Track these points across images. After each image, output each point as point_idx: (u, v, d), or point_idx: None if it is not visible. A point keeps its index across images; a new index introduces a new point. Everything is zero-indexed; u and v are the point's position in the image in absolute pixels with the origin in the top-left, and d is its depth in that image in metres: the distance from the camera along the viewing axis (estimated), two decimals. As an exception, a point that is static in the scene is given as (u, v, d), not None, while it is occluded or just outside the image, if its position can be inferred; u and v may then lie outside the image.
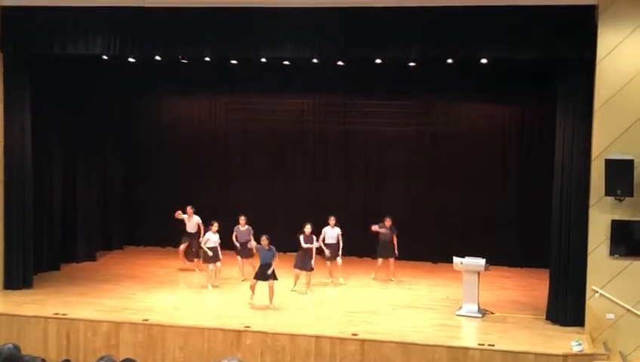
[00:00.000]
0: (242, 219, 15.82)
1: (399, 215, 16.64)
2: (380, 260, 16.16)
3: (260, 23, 13.63)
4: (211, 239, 15.46)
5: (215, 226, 15.53)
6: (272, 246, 14.14)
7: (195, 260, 16.61)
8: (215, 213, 16.64)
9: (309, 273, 15.15)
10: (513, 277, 16.58)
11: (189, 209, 16.57)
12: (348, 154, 18.40)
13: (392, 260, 16.12)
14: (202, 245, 15.62)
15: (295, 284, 15.15)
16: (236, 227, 15.84)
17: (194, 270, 16.63)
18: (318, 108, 18.48)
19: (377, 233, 16.04)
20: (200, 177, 18.76)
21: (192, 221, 16.56)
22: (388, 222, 16.02)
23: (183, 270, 16.80)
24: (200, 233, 16.28)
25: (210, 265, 15.48)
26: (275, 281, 14.04)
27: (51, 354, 12.84)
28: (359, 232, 16.55)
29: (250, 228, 15.73)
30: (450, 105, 17.76)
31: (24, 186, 15.10)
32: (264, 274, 14.00)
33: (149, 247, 18.96)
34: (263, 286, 14.04)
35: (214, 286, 15.45)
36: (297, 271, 15.14)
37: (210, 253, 15.40)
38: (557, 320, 13.28)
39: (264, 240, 14.14)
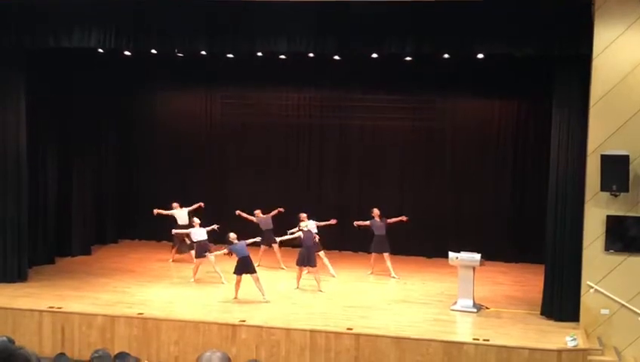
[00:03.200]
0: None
1: (394, 209, 16.63)
2: (373, 255, 16.11)
3: (256, 17, 13.58)
4: (198, 233, 15.55)
5: (196, 221, 15.72)
6: (242, 241, 14.27)
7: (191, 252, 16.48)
8: (209, 208, 16.65)
9: (314, 269, 14.97)
10: (508, 273, 16.59)
11: (175, 205, 16.79)
12: (343, 148, 18.37)
13: (386, 254, 15.99)
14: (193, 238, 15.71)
15: (298, 282, 15.07)
16: None
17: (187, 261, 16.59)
18: (313, 103, 18.44)
19: (368, 227, 16.00)
20: (195, 172, 18.74)
21: (183, 213, 16.69)
22: (376, 212, 15.93)
23: (175, 261, 16.98)
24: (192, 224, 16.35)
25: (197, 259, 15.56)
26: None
27: (46, 347, 12.83)
28: (354, 227, 16.49)
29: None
30: (446, 100, 17.76)
31: (19, 180, 15.05)
32: (252, 266, 14.09)
33: (144, 241, 18.94)
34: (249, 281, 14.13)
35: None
36: (302, 268, 15.02)
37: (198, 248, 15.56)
38: (552, 315, 13.29)
39: (232, 236, 14.26)
